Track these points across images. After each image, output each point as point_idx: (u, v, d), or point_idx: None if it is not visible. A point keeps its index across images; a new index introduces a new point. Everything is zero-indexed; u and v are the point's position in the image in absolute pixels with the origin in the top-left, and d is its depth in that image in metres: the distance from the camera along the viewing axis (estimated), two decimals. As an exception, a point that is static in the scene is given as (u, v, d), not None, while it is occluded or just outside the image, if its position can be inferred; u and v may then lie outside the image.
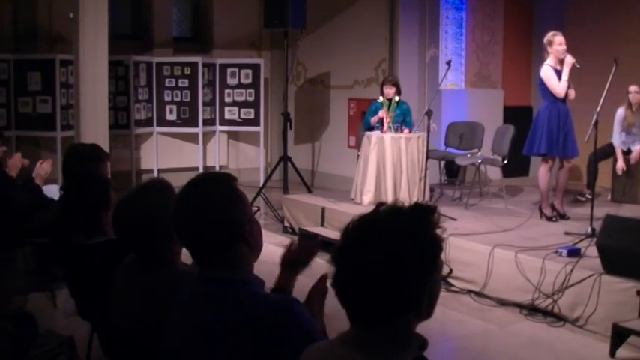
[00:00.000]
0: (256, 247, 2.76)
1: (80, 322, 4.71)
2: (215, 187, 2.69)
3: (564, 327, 6.70)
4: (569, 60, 8.55)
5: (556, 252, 7.23)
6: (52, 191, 7.12)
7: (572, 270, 6.77)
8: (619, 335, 6.03)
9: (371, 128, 10.00)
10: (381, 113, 9.86)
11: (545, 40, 8.78)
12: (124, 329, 3.30)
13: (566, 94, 8.64)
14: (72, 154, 6.04)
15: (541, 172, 8.90)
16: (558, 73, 8.60)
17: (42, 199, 7.01)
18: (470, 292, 7.58)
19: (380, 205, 2.14)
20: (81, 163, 5.77)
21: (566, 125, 8.64)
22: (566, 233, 7.98)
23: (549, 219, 8.81)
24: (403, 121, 9.92)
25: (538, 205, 9.07)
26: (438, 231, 2.09)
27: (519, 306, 7.13)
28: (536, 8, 12.91)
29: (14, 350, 3.39)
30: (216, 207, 2.63)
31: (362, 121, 10.75)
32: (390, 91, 10.14)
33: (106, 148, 7.74)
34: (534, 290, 6.97)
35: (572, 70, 8.57)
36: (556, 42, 8.67)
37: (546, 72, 8.67)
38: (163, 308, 2.85)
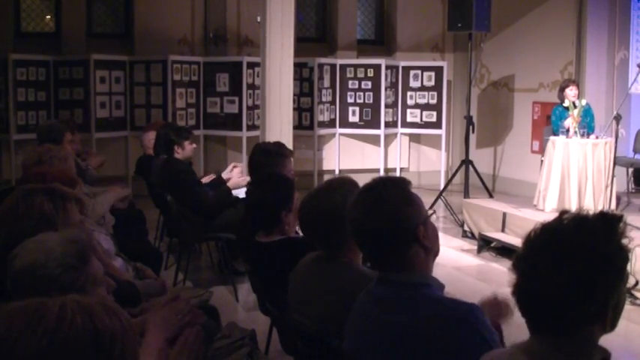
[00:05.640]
0: (432, 249, 2.75)
1: (260, 317, 4.84)
2: (388, 190, 2.71)
3: None
4: None
5: None
6: (240, 190, 7.35)
7: None
8: None
9: (555, 133, 9.77)
10: (573, 117, 9.56)
11: None
12: (303, 326, 3.36)
13: None
14: (257, 151, 6.23)
15: None
16: None
17: (230, 200, 7.25)
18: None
19: (564, 212, 2.09)
20: (266, 159, 5.94)
21: None
22: None
23: None
24: (587, 125, 9.63)
25: None
26: (625, 241, 2.03)
27: None
28: None
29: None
30: (389, 208, 2.65)
31: (548, 125, 10.50)
32: (575, 93, 9.88)
33: (290, 148, 7.91)
34: None
35: None
36: None
37: None
38: (343, 308, 2.89)
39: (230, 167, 7.80)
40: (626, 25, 11.72)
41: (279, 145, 6.40)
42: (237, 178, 7.48)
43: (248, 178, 6.79)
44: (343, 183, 3.51)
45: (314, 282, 3.36)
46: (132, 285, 4.26)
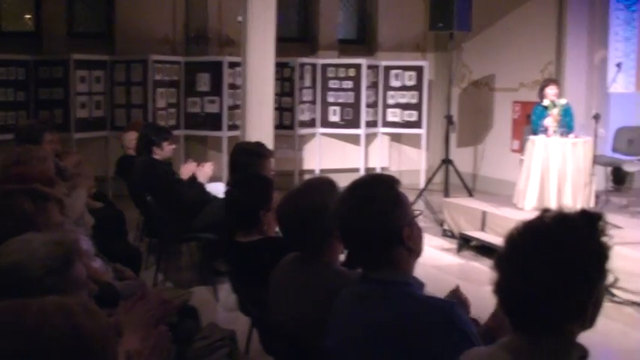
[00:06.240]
0: (416, 250, 2.76)
1: (240, 317, 4.83)
2: (378, 189, 2.72)
3: None
4: None
5: None
6: (218, 189, 7.34)
7: None
8: None
9: (535, 132, 9.81)
10: (553, 117, 9.60)
11: None
12: (282, 326, 3.36)
13: None
14: (237, 151, 6.23)
15: None
16: None
17: (206, 197, 7.24)
18: (634, 303, 7.32)
19: (545, 210, 2.11)
20: (246, 159, 5.94)
21: None
22: None
23: None
24: (566, 124, 9.67)
25: None
26: (605, 239, 2.04)
27: (687, 320, 6.85)
28: None
29: (179, 342, 3.51)
30: (378, 208, 2.65)
31: (528, 124, 10.53)
32: (555, 92, 9.92)
33: (271, 148, 7.90)
34: None
35: None
36: None
37: None
38: (323, 307, 2.89)
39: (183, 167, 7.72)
40: (605, 25, 11.79)
41: (259, 145, 6.41)
42: (204, 172, 7.44)
43: (211, 165, 6.90)
44: (321, 183, 3.51)
45: (294, 282, 3.37)
46: (111, 286, 4.25)
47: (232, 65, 12.05)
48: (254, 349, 4.83)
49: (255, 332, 4.51)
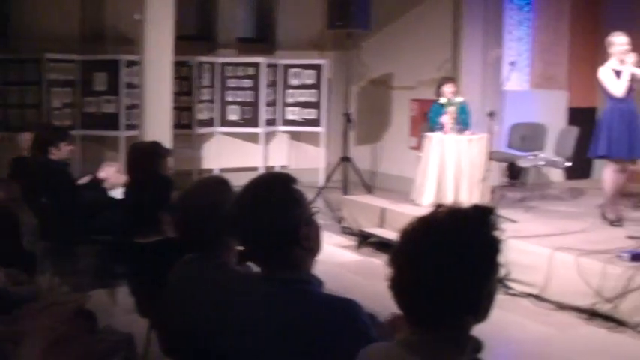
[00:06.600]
0: (313, 249, 2.76)
1: (139, 320, 4.78)
2: (274, 188, 2.71)
3: (625, 333, 6.60)
4: (633, 63, 8.40)
5: (618, 256, 7.12)
6: (117, 191, 7.24)
7: (634, 274, 6.67)
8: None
9: (432, 129, 9.95)
10: (450, 114, 9.75)
11: (606, 40, 8.65)
12: (181, 328, 3.33)
13: (631, 88, 8.46)
14: (134, 151, 6.16)
15: (607, 174, 8.73)
16: (619, 75, 8.46)
17: (106, 199, 7.14)
18: (529, 295, 7.50)
19: (439, 206, 2.13)
20: (142, 159, 5.87)
21: (631, 125, 8.48)
22: (629, 237, 7.85)
23: (612, 223, 8.66)
24: (462, 121, 9.85)
25: (601, 209, 8.92)
26: (496, 232, 2.08)
27: (579, 310, 7.04)
28: (604, 8, 12.71)
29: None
30: (273, 208, 2.65)
31: (426, 122, 10.67)
32: (452, 90, 10.09)
33: (169, 148, 7.83)
34: (595, 294, 6.88)
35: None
36: (617, 43, 8.52)
37: (602, 74, 8.55)
38: (220, 308, 2.87)
39: (103, 167, 7.66)
40: (500, 25, 12.03)
41: (155, 145, 6.34)
42: (114, 177, 7.36)
43: (124, 177, 6.72)
44: (215, 182, 3.49)
45: (191, 283, 3.33)
46: (3, 291, 4.14)
47: (130, 64, 11.88)
48: (153, 351, 4.78)
49: (153, 335, 4.46)
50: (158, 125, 9.87)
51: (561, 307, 7.20)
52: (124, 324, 5.44)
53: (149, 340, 4.83)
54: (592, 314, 6.91)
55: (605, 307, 6.81)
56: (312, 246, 2.73)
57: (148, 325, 4.66)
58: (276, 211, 2.64)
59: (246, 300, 2.76)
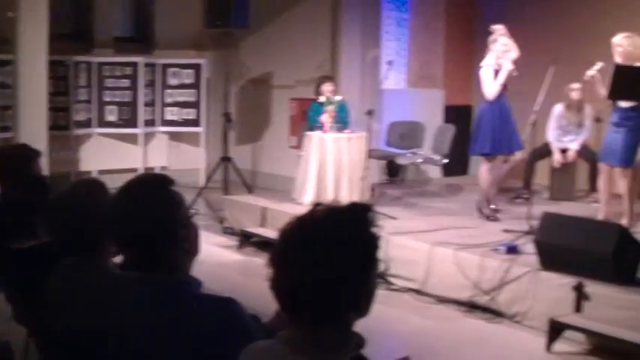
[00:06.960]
0: (191, 251, 2.74)
1: (16, 327, 4.65)
2: (150, 190, 2.68)
3: (503, 323, 6.79)
4: (508, 67, 8.64)
5: (495, 249, 7.32)
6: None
7: (510, 267, 6.86)
8: (555, 330, 6.15)
9: (312, 128, 10.00)
10: (329, 113, 9.81)
11: (491, 37, 8.82)
12: (60, 334, 3.26)
13: (505, 86, 8.70)
14: (1, 156, 5.95)
15: (483, 170, 8.96)
16: (497, 74, 8.69)
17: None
18: (410, 290, 7.62)
19: (317, 205, 2.14)
20: (12, 163, 5.68)
21: (509, 121, 8.74)
22: (505, 231, 8.07)
23: (488, 218, 8.89)
24: (341, 120, 9.93)
25: (477, 204, 9.14)
26: (374, 229, 2.10)
27: (459, 303, 7.20)
28: (479, 8, 13.00)
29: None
30: (149, 210, 2.62)
31: (306, 121, 10.70)
32: (331, 89, 10.16)
33: (45, 150, 7.66)
34: (473, 287, 7.05)
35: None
36: (500, 42, 8.74)
37: (484, 73, 8.76)
38: (99, 312, 2.83)
39: None
40: (377, 25, 12.19)
41: (23, 147, 6.15)
42: None
43: None
44: (90, 185, 3.44)
45: (69, 288, 3.27)
46: None
47: (3, 63, 11.52)
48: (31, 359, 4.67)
49: (32, 342, 4.35)
50: (33, 127, 9.63)
51: (441, 300, 7.35)
52: (1, 332, 5.30)
53: (27, 348, 4.72)
54: (471, 307, 7.08)
55: (483, 300, 6.99)
56: (190, 248, 2.72)
57: (25, 332, 4.55)
58: (152, 214, 2.62)
59: (124, 303, 2.72)
